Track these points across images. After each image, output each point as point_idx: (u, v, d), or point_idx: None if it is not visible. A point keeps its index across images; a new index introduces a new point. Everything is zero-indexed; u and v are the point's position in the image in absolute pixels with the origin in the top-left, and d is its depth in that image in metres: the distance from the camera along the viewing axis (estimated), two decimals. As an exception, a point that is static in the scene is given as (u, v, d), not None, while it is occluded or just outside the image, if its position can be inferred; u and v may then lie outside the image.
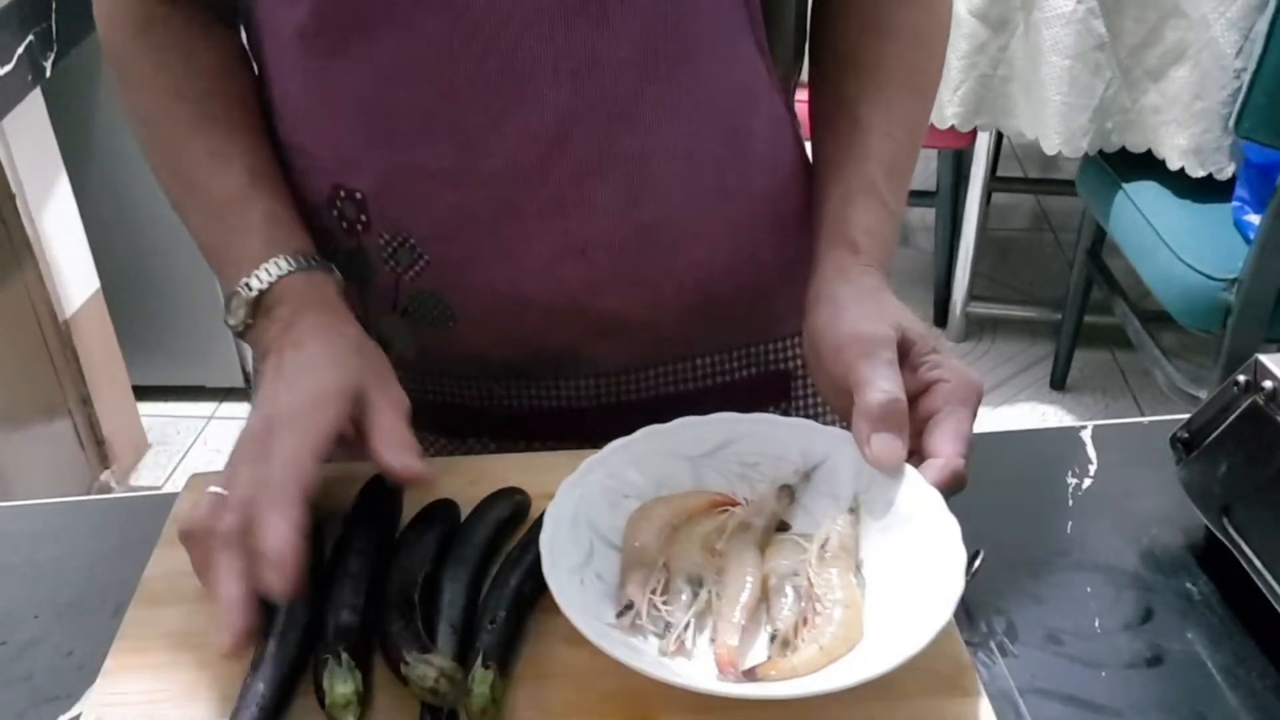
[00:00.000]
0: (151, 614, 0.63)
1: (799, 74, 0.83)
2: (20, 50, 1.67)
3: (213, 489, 0.59)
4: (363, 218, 0.74)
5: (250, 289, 0.68)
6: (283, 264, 0.68)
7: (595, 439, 0.68)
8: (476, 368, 0.79)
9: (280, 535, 0.55)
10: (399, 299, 0.77)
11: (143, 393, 2.35)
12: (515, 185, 0.70)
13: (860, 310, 0.66)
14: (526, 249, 0.73)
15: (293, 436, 0.59)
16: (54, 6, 1.74)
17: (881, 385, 0.61)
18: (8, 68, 1.65)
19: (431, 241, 0.74)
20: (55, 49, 1.75)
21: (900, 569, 0.60)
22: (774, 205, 0.79)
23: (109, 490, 2.14)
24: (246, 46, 0.77)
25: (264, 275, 0.68)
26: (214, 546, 0.57)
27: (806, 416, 0.85)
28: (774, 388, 0.85)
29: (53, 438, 2.04)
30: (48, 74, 1.75)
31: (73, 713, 0.60)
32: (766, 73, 0.74)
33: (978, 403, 0.64)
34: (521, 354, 0.79)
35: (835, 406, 0.67)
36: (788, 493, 0.65)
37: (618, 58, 0.68)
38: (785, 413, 0.85)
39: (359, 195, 0.73)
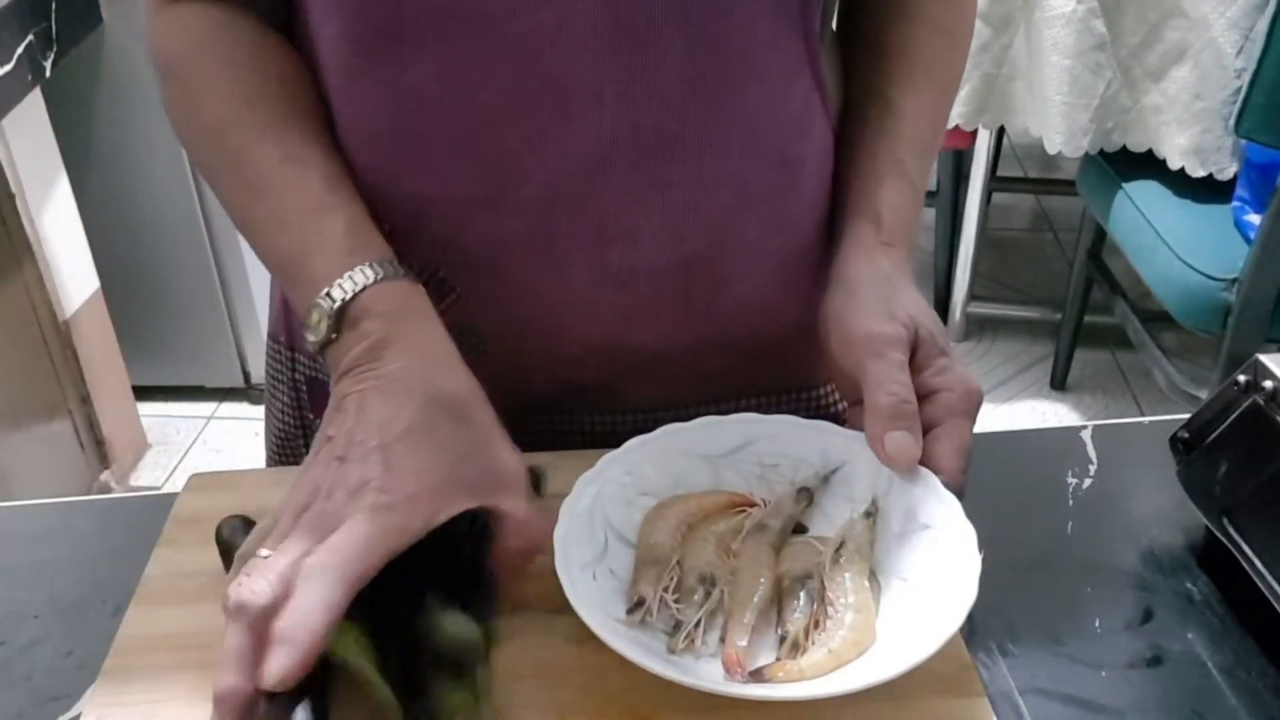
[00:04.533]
0: (151, 614, 0.63)
1: None
2: (20, 50, 1.67)
3: (263, 552, 0.52)
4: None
5: (333, 300, 0.61)
6: (368, 272, 0.62)
7: None
8: (507, 400, 0.73)
9: (307, 615, 0.49)
10: None
11: (142, 393, 2.35)
12: (554, 213, 0.67)
13: (875, 303, 0.65)
14: (563, 280, 0.70)
15: (367, 524, 0.52)
16: (54, 6, 1.74)
17: (891, 388, 0.61)
18: (8, 68, 1.65)
19: (463, 274, 0.70)
20: (55, 49, 1.75)
21: (915, 575, 0.60)
22: (825, 243, 0.74)
23: (109, 490, 2.14)
24: None
25: (348, 285, 0.61)
26: (229, 616, 0.50)
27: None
28: None
29: (52, 438, 2.04)
30: (48, 74, 1.75)
31: (73, 713, 0.60)
32: (822, 107, 0.72)
33: (978, 411, 0.64)
34: (555, 387, 0.75)
35: (840, 389, 0.69)
36: (806, 495, 0.65)
37: (665, 80, 0.65)
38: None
39: (387, 228, 0.67)
